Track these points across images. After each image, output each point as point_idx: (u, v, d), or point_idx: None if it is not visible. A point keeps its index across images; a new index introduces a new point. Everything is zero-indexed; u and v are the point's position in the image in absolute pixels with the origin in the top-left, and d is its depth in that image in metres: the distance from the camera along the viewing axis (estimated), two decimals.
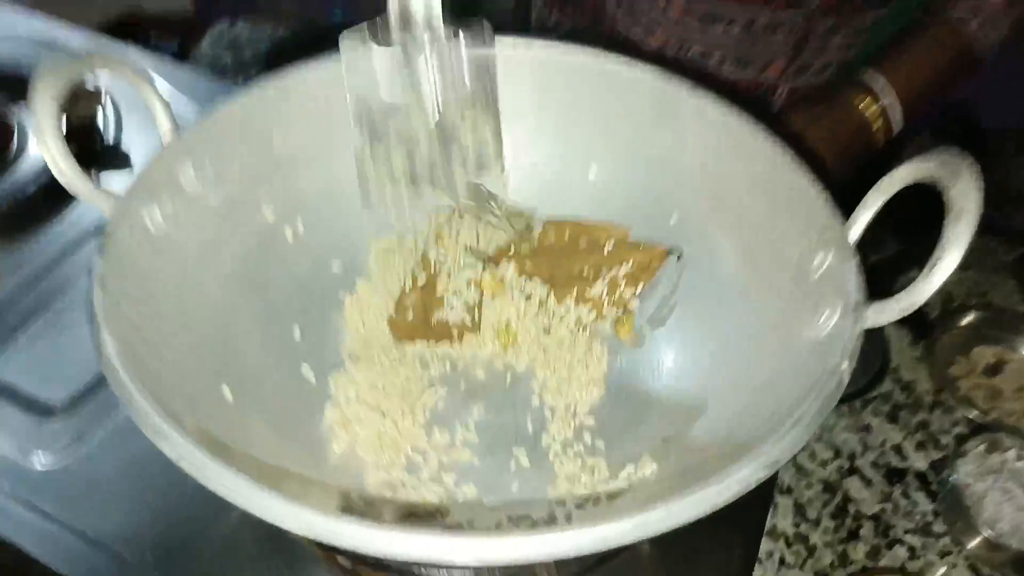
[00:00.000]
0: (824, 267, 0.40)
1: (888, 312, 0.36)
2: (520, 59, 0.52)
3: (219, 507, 0.45)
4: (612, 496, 0.41)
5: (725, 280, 0.49)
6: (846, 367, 0.33)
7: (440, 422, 0.49)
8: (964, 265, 0.76)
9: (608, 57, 0.51)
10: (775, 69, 0.75)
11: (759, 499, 0.53)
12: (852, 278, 0.38)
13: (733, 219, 0.48)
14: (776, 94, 0.77)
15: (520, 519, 0.41)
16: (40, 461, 0.50)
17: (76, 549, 0.46)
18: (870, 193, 0.39)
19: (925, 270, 0.35)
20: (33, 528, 0.47)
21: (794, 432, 0.30)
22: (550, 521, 0.41)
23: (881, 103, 0.68)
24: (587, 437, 0.49)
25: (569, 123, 0.55)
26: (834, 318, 0.37)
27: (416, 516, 0.41)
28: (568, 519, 0.41)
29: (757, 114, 0.47)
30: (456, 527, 0.28)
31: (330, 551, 0.46)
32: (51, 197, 0.66)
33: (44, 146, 0.39)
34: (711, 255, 0.50)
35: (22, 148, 0.71)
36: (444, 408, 0.50)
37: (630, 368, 0.53)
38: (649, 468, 0.43)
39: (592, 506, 0.41)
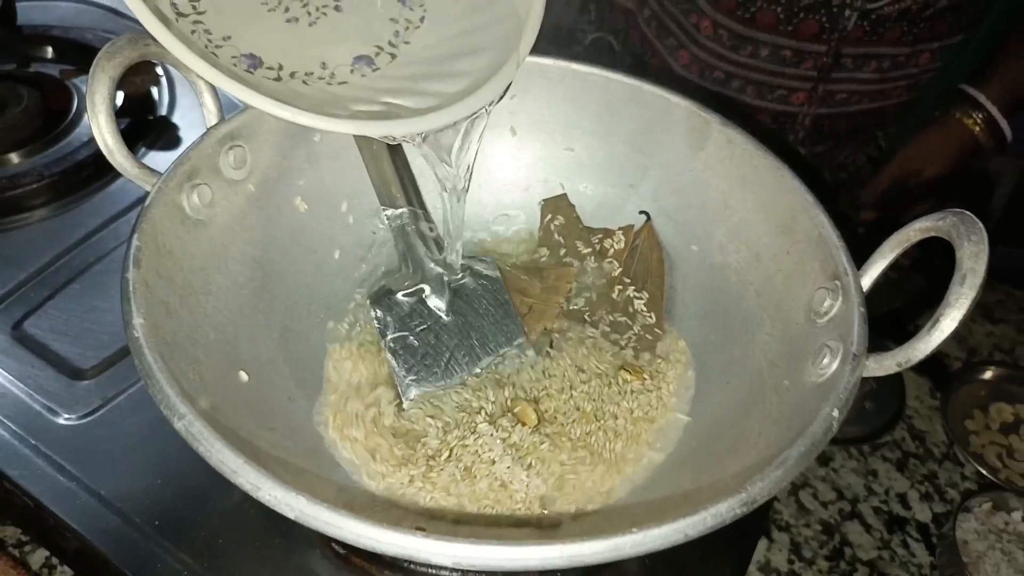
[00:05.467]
0: (833, 312, 0.41)
1: (885, 365, 0.36)
2: (560, 77, 0.55)
3: (227, 485, 0.47)
4: (593, 515, 0.42)
5: (735, 314, 0.49)
6: (837, 416, 0.34)
7: None
8: (992, 320, 0.77)
9: (647, 83, 0.53)
10: (798, 98, 0.76)
11: (752, 527, 0.54)
12: (857, 327, 0.38)
13: (750, 255, 0.49)
14: (799, 121, 0.78)
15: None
16: (66, 420, 0.53)
17: (90, 507, 0.48)
18: (885, 244, 0.40)
19: (926, 327, 0.35)
20: (51, 482, 0.49)
21: (775, 474, 0.31)
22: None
23: (982, 114, 0.76)
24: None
25: (606, 147, 0.57)
26: (834, 365, 0.38)
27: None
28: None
29: (782, 150, 0.48)
30: (440, 531, 0.29)
31: (327, 537, 0.48)
32: (101, 164, 0.69)
33: (95, 122, 0.42)
34: (725, 288, 0.51)
35: (80, 114, 0.75)
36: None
37: None
38: None
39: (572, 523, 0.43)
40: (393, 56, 0.46)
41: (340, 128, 0.40)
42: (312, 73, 0.44)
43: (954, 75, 0.81)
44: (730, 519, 0.30)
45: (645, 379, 0.52)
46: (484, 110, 0.46)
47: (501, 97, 0.46)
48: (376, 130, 0.42)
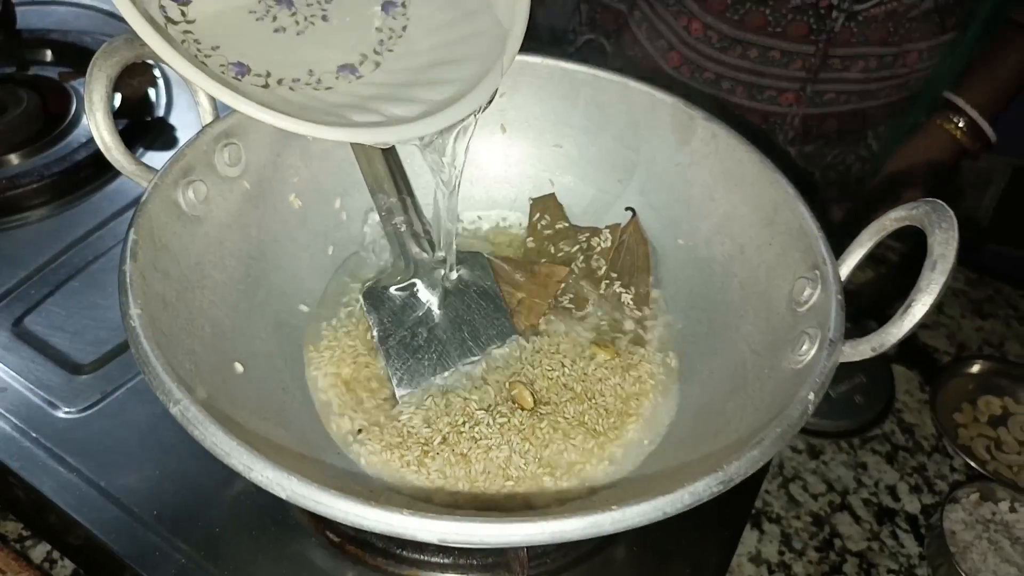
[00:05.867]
0: (812, 301, 0.42)
1: (860, 350, 0.37)
2: (549, 75, 0.56)
3: (225, 476, 0.48)
4: (572, 496, 0.43)
5: (720, 305, 0.50)
6: (812, 399, 0.35)
7: None
8: (982, 315, 0.78)
9: (633, 80, 0.54)
10: (786, 98, 0.77)
11: (737, 513, 0.55)
12: (835, 314, 0.39)
13: (734, 248, 0.50)
14: (788, 121, 0.80)
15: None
16: (66, 413, 0.54)
17: (90, 498, 0.49)
18: (862, 234, 0.41)
19: (898, 312, 0.36)
20: (53, 474, 0.50)
21: (750, 454, 0.32)
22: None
23: (964, 119, 0.80)
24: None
25: (594, 144, 0.59)
26: (812, 351, 0.39)
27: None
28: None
29: (768, 147, 0.49)
30: (425, 509, 0.30)
31: (321, 526, 0.49)
32: (99, 165, 0.70)
33: (93, 121, 0.43)
34: (710, 280, 0.52)
35: (78, 116, 0.76)
36: None
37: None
38: None
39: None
40: (377, 64, 0.47)
41: (327, 135, 0.41)
42: (299, 80, 0.45)
43: (945, 77, 0.82)
44: (707, 497, 0.31)
45: (617, 354, 0.53)
46: (472, 116, 0.47)
47: (487, 104, 0.47)
48: (362, 137, 0.43)
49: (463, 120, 0.46)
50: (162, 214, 0.43)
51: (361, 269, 0.58)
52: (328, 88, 0.45)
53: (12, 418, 0.53)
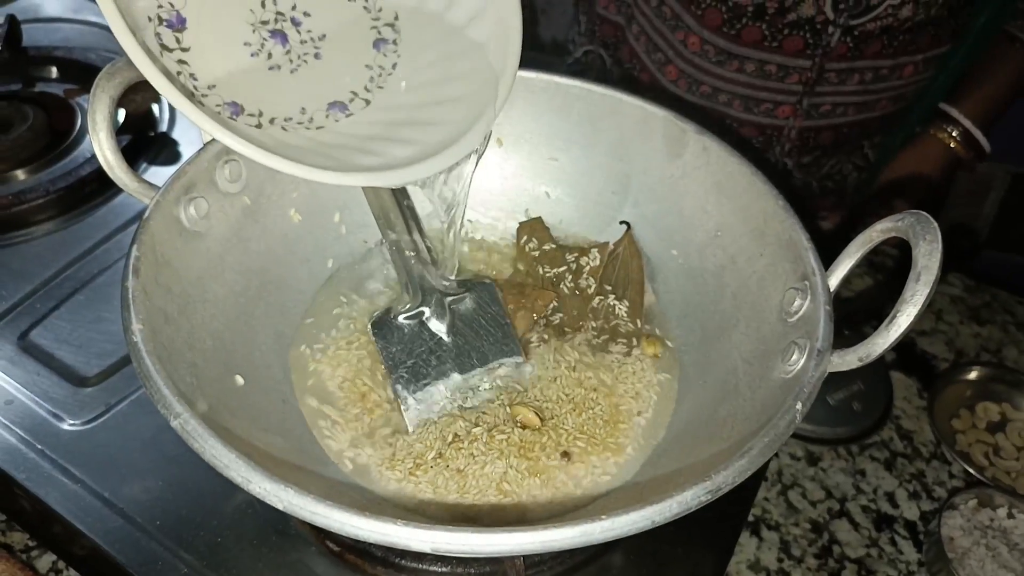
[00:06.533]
0: (802, 311, 0.42)
1: (848, 360, 0.38)
2: (543, 89, 0.57)
3: (227, 486, 0.49)
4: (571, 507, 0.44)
5: (713, 316, 0.51)
6: (800, 408, 0.36)
7: None
8: (980, 322, 0.79)
9: (625, 95, 0.55)
10: (783, 111, 0.78)
11: (732, 520, 0.55)
12: (823, 324, 0.40)
13: (726, 258, 0.51)
14: (785, 133, 0.80)
15: None
16: (71, 425, 0.55)
17: (94, 508, 0.50)
18: (850, 245, 0.42)
19: (884, 323, 0.37)
20: (58, 485, 0.51)
21: (738, 463, 0.33)
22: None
23: (958, 129, 0.83)
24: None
25: (588, 157, 0.59)
26: (801, 361, 0.39)
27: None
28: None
29: (762, 159, 0.50)
30: (418, 519, 0.31)
31: (321, 535, 0.50)
32: (103, 180, 0.71)
33: (96, 141, 0.44)
34: (703, 291, 0.52)
35: (83, 132, 0.77)
36: None
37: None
38: None
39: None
40: (368, 102, 0.48)
41: (330, 179, 0.42)
42: (291, 119, 0.45)
43: (941, 88, 0.83)
44: (695, 506, 0.32)
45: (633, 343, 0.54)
46: (470, 157, 0.47)
47: (485, 147, 0.48)
48: (365, 181, 0.44)
49: (459, 162, 0.47)
50: (164, 230, 0.44)
51: (357, 280, 0.59)
52: (319, 128, 0.46)
53: (18, 430, 0.54)
